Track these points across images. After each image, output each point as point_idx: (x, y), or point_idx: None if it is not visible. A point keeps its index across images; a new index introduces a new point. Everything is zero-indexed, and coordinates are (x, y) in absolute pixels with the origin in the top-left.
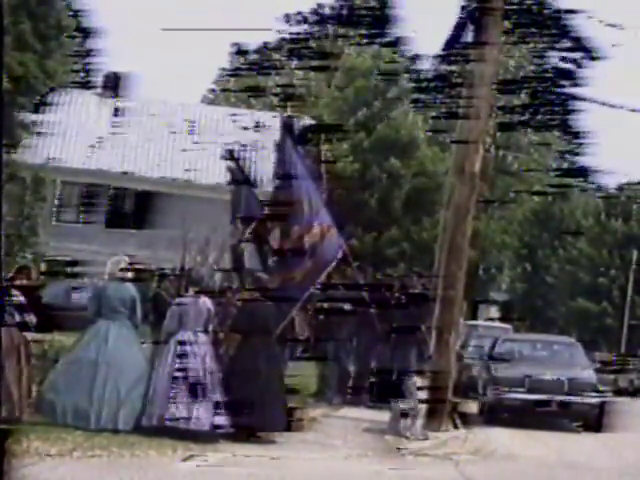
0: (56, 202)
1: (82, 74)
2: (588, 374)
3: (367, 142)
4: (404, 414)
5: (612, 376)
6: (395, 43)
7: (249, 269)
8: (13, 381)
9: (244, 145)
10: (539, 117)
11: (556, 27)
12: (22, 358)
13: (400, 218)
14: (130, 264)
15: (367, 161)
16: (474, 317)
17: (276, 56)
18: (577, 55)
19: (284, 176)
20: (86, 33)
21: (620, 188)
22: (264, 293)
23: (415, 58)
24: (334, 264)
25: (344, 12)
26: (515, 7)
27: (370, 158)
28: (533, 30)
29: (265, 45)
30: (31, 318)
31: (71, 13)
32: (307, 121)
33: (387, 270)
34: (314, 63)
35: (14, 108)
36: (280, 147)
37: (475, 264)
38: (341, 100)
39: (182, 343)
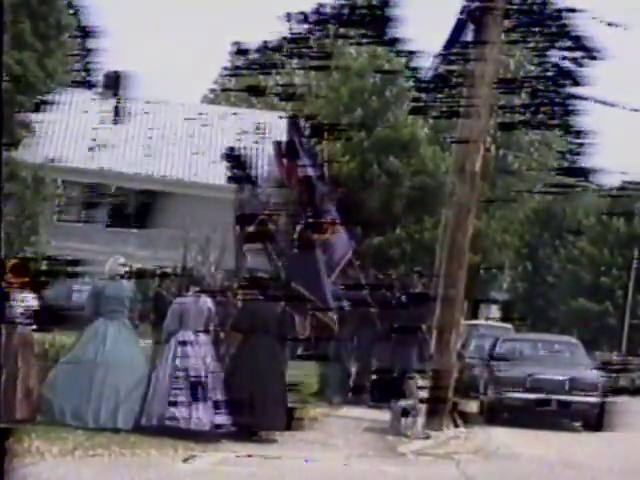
0: (57, 201)
1: (82, 73)
2: (589, 373)
3: (367, 142)
4: (405, 413)
5: (613, 375)
6: (395, 42)
7: (250, 268)
8: (31, 378)
9: (245, 144)
10: (540, 116)
11: (557, 26)
12: (31, 357)
13: (401, 218)
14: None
15: (367, 161)
16: (475, 317)
17: (277, 55)
18: (578, 54)
19: (294, 174)
20: (86, 32)
21: (621, 187)
22: (264, 292)
23: (415, 57)
24: (345, 261)
25: (345, 12)
26: (516, 6)
27: (370, 158)
28: (534, 29)
29: (266, 44)
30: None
31: (71, 12)
32: (304, 121)
33: (388, 270)
34: (315, 63)
35: (14, 107)
36: (289, 145)
37: (476, 264)
38: (337, 100)
39: (183, 343)
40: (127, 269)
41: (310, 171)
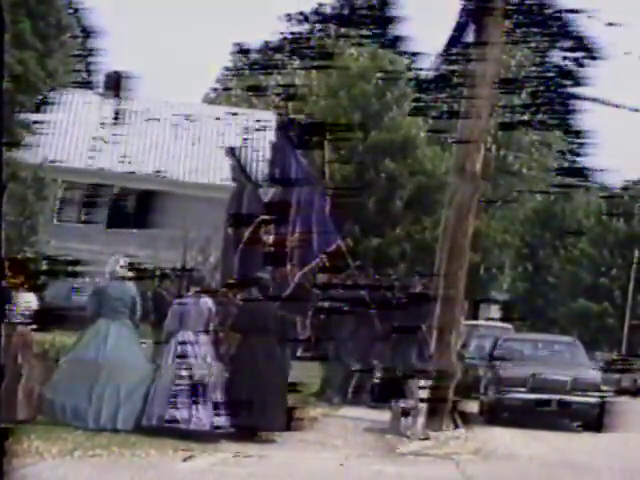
0: (57, 202)
1: (83, 73)
2: (590, 374)
3: (366, 143)
4: (405, 414)
5: (615, 376)
6: (396, 43)
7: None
8: (31, 378)
9: (246, 144)
10: (540, 116)
11: (557, 27)
12: (31, 356)
13: (401, 218)
14: (130, 264)
15: (366, 162)
16: (475, 317)
17: (278, 56)
18: (578, 55)
19: (278, 179)
20: (87, 32)
21: (622, 188)
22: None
23: (416, 57)
24: (311, 267)
25: (345, 12)
26: (516, 7)
27: (369, 158)
28: (534, 30)
29: (267, 45)
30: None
31: (71, 12)
32: (305, 121)
33: (388, 270)
34: (315, 63)
35: (15, 107)
36: (275, 148)
37: (476, 264)
38: (337, 100)
39: (183, 343)
40: (130, 271)
41: (295, 174)
